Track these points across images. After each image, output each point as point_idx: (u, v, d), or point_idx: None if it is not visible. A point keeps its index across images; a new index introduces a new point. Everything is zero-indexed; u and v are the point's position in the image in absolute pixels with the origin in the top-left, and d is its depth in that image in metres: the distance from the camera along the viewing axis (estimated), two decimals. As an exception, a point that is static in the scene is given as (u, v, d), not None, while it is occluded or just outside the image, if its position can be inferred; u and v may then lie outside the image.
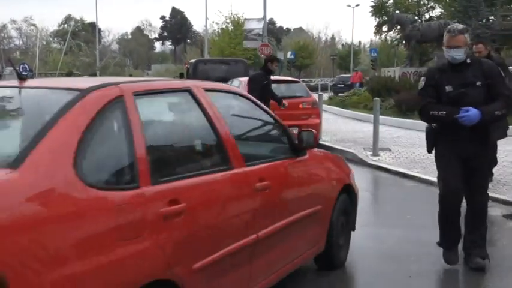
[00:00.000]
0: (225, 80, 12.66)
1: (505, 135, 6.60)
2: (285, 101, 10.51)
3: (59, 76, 52.10)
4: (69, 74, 56.23)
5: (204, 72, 16.70)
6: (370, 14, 43.55)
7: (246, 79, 11.63)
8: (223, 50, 47.94)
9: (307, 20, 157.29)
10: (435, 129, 4.79)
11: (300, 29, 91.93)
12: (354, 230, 5.18)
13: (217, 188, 3.32)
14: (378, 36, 49.19)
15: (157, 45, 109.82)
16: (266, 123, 4.31)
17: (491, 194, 7.45)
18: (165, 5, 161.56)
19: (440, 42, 6.81)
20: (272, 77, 10.63)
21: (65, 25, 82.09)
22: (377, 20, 43.64)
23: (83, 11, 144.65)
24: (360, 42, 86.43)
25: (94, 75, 50.16)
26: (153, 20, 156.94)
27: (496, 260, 5.00)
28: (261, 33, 30.17)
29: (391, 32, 43.18)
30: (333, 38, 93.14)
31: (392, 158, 10.79)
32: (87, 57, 61.43)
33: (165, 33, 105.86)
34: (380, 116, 11.91)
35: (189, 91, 3.48)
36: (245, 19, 37.46)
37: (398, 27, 32.29)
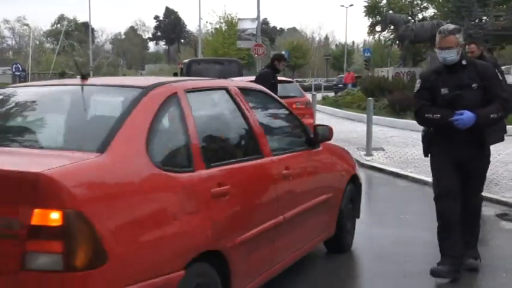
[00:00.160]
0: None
1: (502, 139, 6.39)
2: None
3: (52, 76, 52.01)
4: (63, 74, 56.24)
5: (198, 72, 16.66)
6: (364, 14, 43.62)
7: (245, 79, 11.60)
8: (217, 50, 47.89)
9: (301, 20, 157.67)
10: (430, 133, 4.71)
11: (294, 29, 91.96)
12: (358, 217, 5.62)
13: (253, 174, 3.82)
14: (371, 37, 49.30)
15: (151, 45, 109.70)
16: (286, 118, 4.77)
17: (484, 193, 7.50)
18: (159, 5, 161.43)
19: (433, 43, 6.77)
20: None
21: (58, 25, 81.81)
22: (370, 20, 43.72)
23: (76, 10, 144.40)
24: (353, 42, 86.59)
25: (88, 75, 49.83)
26: (147, 20, 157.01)
27: (489, 259, 5.02)
28: (254, 33, 30.17)
29: (385, 32, 43.22)
30: (326, 38, 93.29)
31: (385, 158, 10.82)
32: (81, 57, 61.27)
33: (159, 33, 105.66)
34: (373, 116, 11.94)
35: (226, 89, 3.98)
36: (239, 19, 37.43)
37: (392, 27, 32.34)
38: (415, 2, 41.45)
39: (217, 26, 52.67)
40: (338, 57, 66.86)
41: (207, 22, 58.84)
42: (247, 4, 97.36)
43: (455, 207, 4.56)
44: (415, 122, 5.03)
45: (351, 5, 60.29)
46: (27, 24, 62.67)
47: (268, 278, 3.98)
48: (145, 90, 3.28)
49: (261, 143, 3.97)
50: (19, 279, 2.48)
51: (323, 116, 19.62)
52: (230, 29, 48.77)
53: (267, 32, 74.15)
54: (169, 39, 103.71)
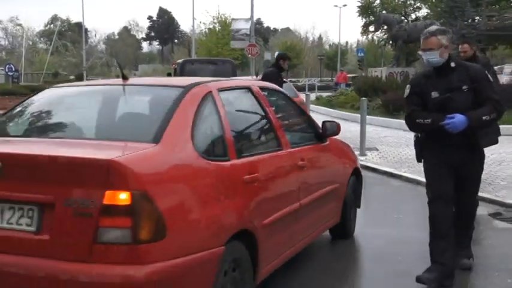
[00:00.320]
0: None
1: (496, 142, 6.19)
2: None
3: (46, 76, 51.84)
4: (56, 75, 56.09)
5: (192, 72, 16.62)
6: (357, 14, 43.68)
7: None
8: (210, 50, 47.87)
9: (295, 20, 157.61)
10: (422, 137, 4.63)
11: (287, 29, 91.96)
12: (359, 207, 6.06)
13: (276, 164, 4.24)
14: (364, 37, 49.39)
15: (145, 45, 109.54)
16: (298, 114, 5.23)
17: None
18: (152, 5, 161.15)
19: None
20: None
21: (51, 25, 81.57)
22: (364, 20, 43.78)
23: (70, 11, 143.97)
24: (347, 43, 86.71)
25: (81, 75, 49.97)
26: (140, 20, 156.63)
27: (482, 258, 5.05)
28: (248, 33, 30.20)
29: (378, 32, 43.29)
30: (320, 38, 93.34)
31: (379, 158, 10.84)
32: (74, 57, 61.07)
33: (152, 33, 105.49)
34: (367, 116, 11.96)
35: (249, 88, 4.43)
36: (232, 19, 37.44)
37: (385, 27, 32.41)
38: (408, 2, 41.54)
39: (211, 26, 52.67)
40: (332, 57, 66.92)
41: (200, 22, 58.99)
42: (241, 4, 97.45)
43: (448, 212, 4.47)
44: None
45: (345, 5, 60.59)
46: (20, 25, 62.52)
47: (287, 259, 4.41)
48: (186, 89, 3.71)
49: (280, 137, 4.42)
50: (93, 251, 2.87)
51: (317, 116, 19.52)
52: (224, 29, 48.77)
53: (260, 32, 74.17)
54: (162, 40, 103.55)
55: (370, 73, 27.45)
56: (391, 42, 32.57)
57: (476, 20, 21.42)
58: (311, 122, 5.23)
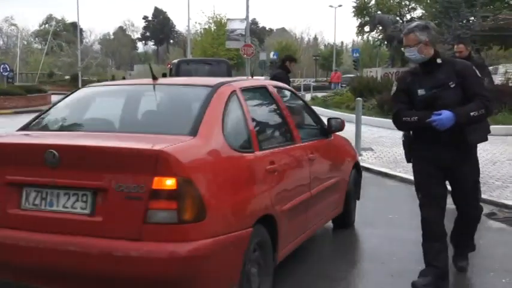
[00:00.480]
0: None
1: (485, 139, 5.99)
2: None
3: (41, 76, 51.70)
4: (51, 75, 55.93)
5: (187, 72, 16.59)
6: (352, 14, 43.77)
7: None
8: (206, 50, 47.86)
9: (290, 21, 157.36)
10: (410, 137, 4.53)
11: (283, 29, 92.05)
12: (358, 199, 6.47)
13: (291, 156, 4.66)
14: (360, 37, 49.47)
15: (140, 45, 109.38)
16: (307, 111, 5.65)
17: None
18: (148, 5, 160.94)
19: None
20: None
21: (46, 25, 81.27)
22: (359, 20, 43.84)
23: (65, 10, 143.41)
24: (342, 43, 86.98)
25: (76, 75, 49.75)
26: (136, 20, 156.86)
27: (476, 258, 5.06)
28: (243, 33, 30.15)
29: (373, 33, 43.36)
30: (315, 38, 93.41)
31: (374, 158, 10.86)
32: (69, 57, 60.87)
33: (148, 34, 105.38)
34: (362, 116, 11.98)
35: (265, 88, 4.87)
36: (228, 19, 37.34)
37: (380, 27, 32.47)
38: (403, 3, 41.63)
39: (206, 27, 52.69)
40: (327, 57, 66.99)
41: (196, 22, 58.93)
42: (236, 4, 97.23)
43: (439, 214, 4.41)
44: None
45: (340, 6, 60.45)
46: (15, 25, 62.07)
47: (300, 243, 4.82)
48: (214, 88, 4.10)
49: (293, 131, 4.83)
50: (142, 230, 3.25)
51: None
52: (219, 30, 48.76)
53: (256, 32, 74.15)
54: (158, 40, 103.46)
55: (365, 73, 27.48)
56: (386, 42, 32.66)
57: (470, 21, 21.47)
58: (318, 119, 5.65)
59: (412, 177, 4.50)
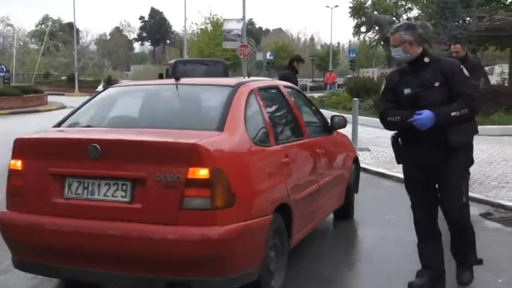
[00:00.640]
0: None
1: (469, 140, 5.67)
2: None
3: (37, 77, 51.58)
4: (47, 75, 55.80)
5: (183, 72, 16.50)
6: (349, 15, 43.86)
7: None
8: (202, 51, 47.83)
9: (287, 21, 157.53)
10: (397, 138, 4.45)
11: (279, 29, 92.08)
12: (357, 192, 6.81)
13: (302, 150, 5.05)
14: (356, 37, 49.62)
15: (136, 45, 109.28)
16: (312, 109, 5.98)
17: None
18: (144, 5, 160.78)
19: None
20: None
21: (43, 25, 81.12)
22: (355, 21, 43.96)
23: (61, 11, 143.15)
24: (338, 43, 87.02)
25: (73, 76, 49.68)
26: (132, 21, 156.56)
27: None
28: (240, 33, 30.14)
29: (370, 33, 43.48)
30: (312, 38, 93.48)
31: (371, 158, 10.87)
32: (65, 57, 60.75)
33: (144, 34, 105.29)
34: (359, 117, 12.01)
35: (277, 87, 5.27)
36: (224, 20, 37.36)
37: (377, 28, 32.55)
38: (399, 3, 41.74)
39: (203, 27, 52.64)
40: (323, 57, 66.99)
41: (192, 23, 58.93)
42: (233, 5, 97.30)
43: (430, 215, 4.38)
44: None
45: (336, 6, 60.47)
46: (11, 25, 61.88)
47: (308, 232, 5.15)
48: (235, 87, 4.45)
49: (302, 128, 5.22)
50: (179, 216, 3.60)
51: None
52: (216, 30, 48.74)
53: (252, 32, 74.12)
54: (154, 40, 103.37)
55: (362, 74, 27.50)
56: (382, 42, 32.71)
57: (467, 21, 21.49)
58: (321, 116, 5.99)
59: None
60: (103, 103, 4.86)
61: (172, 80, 4.78)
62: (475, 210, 6.86)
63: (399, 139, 4.44)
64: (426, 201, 4.37)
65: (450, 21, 21.27)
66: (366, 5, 43.43)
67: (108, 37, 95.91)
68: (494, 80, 21.31)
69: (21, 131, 16.41)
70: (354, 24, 44.56)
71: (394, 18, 34.53)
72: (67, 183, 3.89)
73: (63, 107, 28.53)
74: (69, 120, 4.54)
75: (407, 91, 4.25)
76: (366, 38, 47.08)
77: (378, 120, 16.46)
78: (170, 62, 19.77)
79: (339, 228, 6.24)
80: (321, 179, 5.33)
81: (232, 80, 4.87)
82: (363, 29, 43.79)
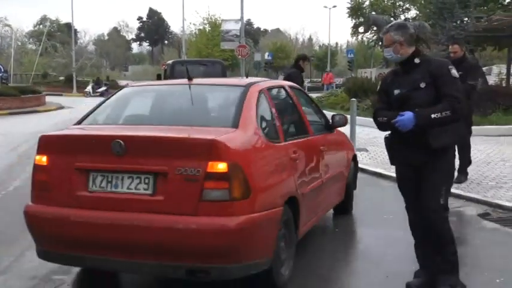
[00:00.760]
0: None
1: (452, 143, 5.27)
2: None
3: (35, 77, 51.50)
4: (45, 76, 55.73)
5: (181, 73, 16.51)
6: (347, 15, 43.90)
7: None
8: (200, 51, 47.83)
9: (285, 21, 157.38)
10: (388, 138, 4.48)
11: (277, 30, 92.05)
12: (355, 189, 7.06)
13: (308, 146, 5.24)
14: (354, 38, 49.63)
15: (135, 46, 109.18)
16: (315, 108, 6.20)
17: (465, 193, 7.58)
18: (142, 6, 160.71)
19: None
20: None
21: (41, 26, 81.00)
22: (353, 21, 43.97)
23: (59, 11, 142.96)
24: (336, 44, 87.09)
25: (71, 76, 49.62)
26: (130, 21, 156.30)
27: (471, 259, 5.08)
28: (238, 34, 30.16)
29: (368, 33, 43.51)
30: (310, 39, 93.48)
31: (369, 159, 10.87)
32: (63, 58, 60.72)
33: (142, 34, 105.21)
34: (357, 117, 11.99)
35: (283, 87, 5.54)
36: (222, 20, 37.35)
37: (375, 28, 32.56)
38: (397, 4, 41.78)
39: (201, 27, 52.65)
40: (321, 58, 67.01)
41: (190, 23, 58.47)
42: (231, 5, 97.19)
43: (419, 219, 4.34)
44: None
45: (334, 6, 60.52)
46: (9, 25, 61.73)
47: (312, 225, 5.36)
48: (247, 87, 4.70)
49: (307, 125, 5.50)
50: (199, 207, 3.82)
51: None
52: (214, 30, 48.74)
53: (250, 33, 74.13)
54: (152, 40, 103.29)
55: (360, 74, 27.51)
56: (380, 43, 32.66)
57: (464, 22, 21.50)
58: (323, 115, 6.20)
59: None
60: (121, 102, 5.08)
61: (185, 80, 4.99)
62: (473, 210, 6.89)
63: (392, 140, 4.45)
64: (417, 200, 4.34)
65: (448, 22, 21.29)
66: (364, 6, 43.47)
67: (106, 37, 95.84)
68: (492, 80, 21.31)
69: (20, 131, 16.41)
70: (352, 24, 44.62)
71: (392, 19, 34.52)
72: (91, 177, 4.08)
73: (62, 107, 28.53)
74: (89, 118, 4.75)
75: (396, 92, 4.27)
76: (364, 39, 47.09)
77: (376, 120, 15.99)
78: (168, 62, 19.76)
79: (337, 228, 6.24)
80: (324, 175, 5.54)
81: (242, 80, 5.14)
82: (361, 29, 43.81)
